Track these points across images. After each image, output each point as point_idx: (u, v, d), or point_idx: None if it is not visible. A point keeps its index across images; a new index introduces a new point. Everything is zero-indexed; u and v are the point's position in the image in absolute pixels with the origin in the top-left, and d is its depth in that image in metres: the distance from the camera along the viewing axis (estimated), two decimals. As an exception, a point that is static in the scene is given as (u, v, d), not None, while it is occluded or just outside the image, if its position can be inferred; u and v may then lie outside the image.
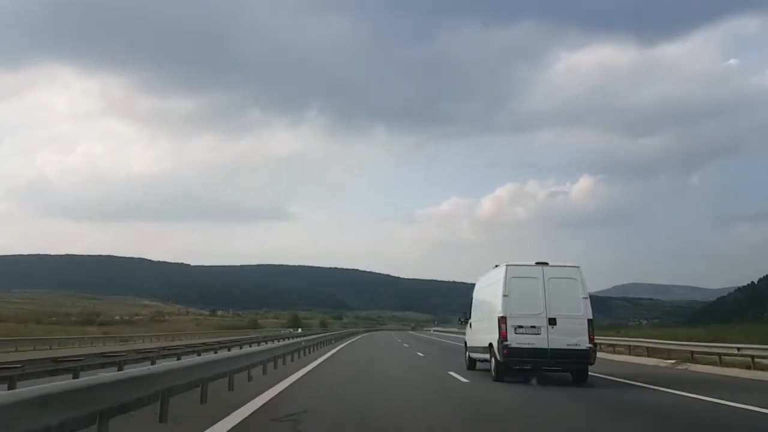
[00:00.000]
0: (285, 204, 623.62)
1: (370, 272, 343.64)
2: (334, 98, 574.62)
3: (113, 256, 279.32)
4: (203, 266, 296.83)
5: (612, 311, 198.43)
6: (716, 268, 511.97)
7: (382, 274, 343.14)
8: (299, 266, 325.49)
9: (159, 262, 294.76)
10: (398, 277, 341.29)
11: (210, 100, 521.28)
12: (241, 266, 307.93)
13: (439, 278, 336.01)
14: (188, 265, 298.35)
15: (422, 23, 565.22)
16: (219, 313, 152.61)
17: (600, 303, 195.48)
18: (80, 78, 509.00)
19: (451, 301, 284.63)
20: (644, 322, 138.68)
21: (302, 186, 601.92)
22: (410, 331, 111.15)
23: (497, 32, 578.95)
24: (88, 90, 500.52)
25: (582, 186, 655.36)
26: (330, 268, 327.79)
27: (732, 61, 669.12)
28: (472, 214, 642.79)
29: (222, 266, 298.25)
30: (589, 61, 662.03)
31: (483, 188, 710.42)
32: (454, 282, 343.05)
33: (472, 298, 16.12)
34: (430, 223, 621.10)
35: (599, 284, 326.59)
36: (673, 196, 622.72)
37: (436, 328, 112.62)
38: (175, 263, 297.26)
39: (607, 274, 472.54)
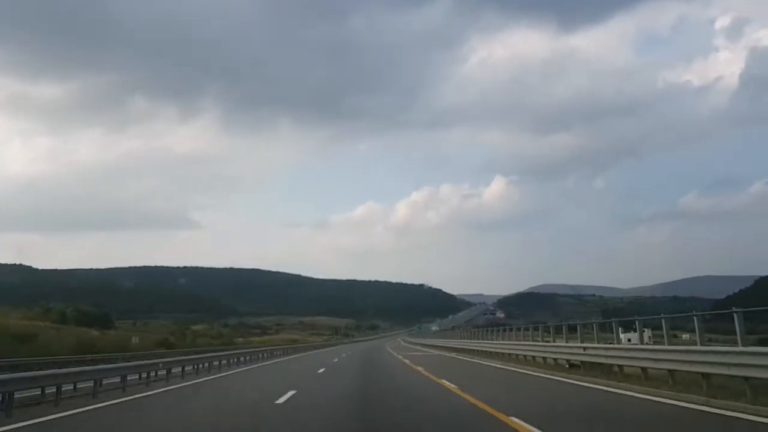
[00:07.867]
0: (185, 209, 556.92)
1: (276, 272, 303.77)
2: (233, 85, 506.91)
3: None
4: (54, 269, 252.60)
5: (560, 308, 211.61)
6: (625, 270, 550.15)
7: (291, 274, 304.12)
8: (179, 267, 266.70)
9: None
10: (310, 278, 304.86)
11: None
12: (108, 269, 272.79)
13: (358, 278, 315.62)
14: (30, 267, 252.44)
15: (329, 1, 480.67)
16: None
17: (546, 300, 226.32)
18: None
19: (376, 302, 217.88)
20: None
21: (202, 188, 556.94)
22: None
23: (411, 12, 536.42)
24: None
25: (495, 189, 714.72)
26: (223, 269, 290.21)
27: (645, 58, 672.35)
28: (387, 218, 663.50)
29: (83, 269, 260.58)
30: (504, 53, 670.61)
31: (399, 192, 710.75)
32: (376, 281, 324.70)
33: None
34: (344, 228, 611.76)
35: (520, 285, 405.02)
36: (581, 198, 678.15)
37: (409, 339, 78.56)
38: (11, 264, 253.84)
39: (525, 275, 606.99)
